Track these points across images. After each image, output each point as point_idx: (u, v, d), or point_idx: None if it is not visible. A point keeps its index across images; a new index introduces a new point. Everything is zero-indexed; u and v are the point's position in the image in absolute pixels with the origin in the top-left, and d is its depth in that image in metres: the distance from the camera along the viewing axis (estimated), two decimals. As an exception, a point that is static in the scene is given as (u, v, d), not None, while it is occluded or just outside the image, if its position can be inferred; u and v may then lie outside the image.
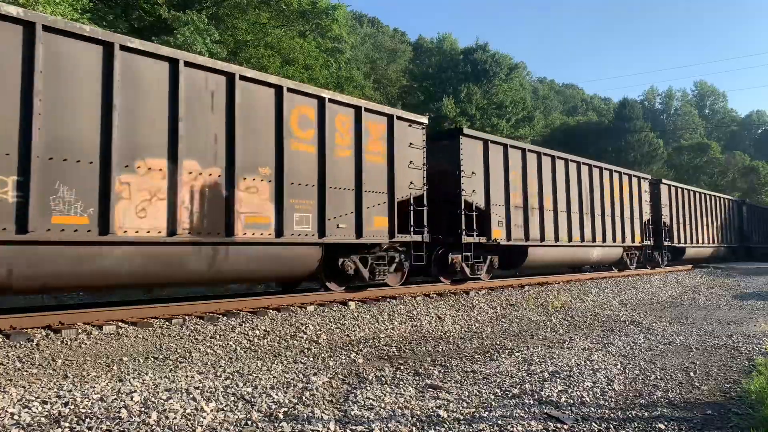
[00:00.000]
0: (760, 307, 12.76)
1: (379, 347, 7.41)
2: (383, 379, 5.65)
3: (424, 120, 12.14)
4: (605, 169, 18.76)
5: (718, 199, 29.60)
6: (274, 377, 5.55)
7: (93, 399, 4.56)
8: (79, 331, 6.83)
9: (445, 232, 12.74)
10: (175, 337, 7.11)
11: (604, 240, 18.10)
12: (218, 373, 5.64)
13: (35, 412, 4.21)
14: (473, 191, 12.97)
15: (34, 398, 4.53)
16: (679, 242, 23.90)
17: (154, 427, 4.02)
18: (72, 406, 4.36)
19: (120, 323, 7.36)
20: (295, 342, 7.51)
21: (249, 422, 4.19)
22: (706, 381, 5.83)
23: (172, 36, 19.89)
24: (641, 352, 7.28)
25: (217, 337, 7.29)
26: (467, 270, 13.04)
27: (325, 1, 27.97)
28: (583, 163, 17.48)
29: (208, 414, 4.32)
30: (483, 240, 13.13)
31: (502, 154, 14.05)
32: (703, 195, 27.37)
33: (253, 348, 7.04)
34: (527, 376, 5.84)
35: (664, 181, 23.56)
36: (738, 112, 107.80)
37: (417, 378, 5.72)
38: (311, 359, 6.54)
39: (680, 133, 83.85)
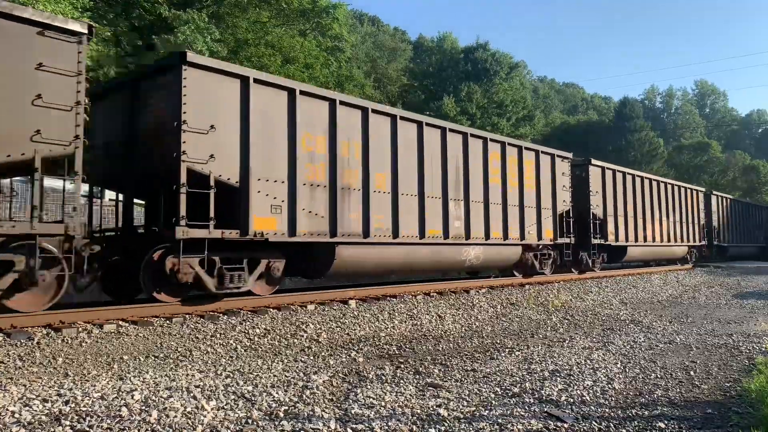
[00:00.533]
0: (760, 306, 12.76)
1: (379, 346, 7.42)
2: (383, 377, 5.65)
3: (77, 27, 7.10)
4: (493, 140, 13.76)
5: (676, 188, 23.80)
6: (274, 376, 5.56)
7: (94, 397, 4.56)
8: (80, 329, 6.83)
9: (168, 221, 8.42)
10: (175, 335, 7.12)
11: (488, 236, 13.25)
12: (219, 372, 5.65)
13: (36, 411, 4.21)
14: (211, 156, 8.31)
15: (34, 396, 4.53)
16: (616, 240, 18.59)
17: (154, 425, 4.03)
18: (73, 405, 4.37)
19: (120, 322, 7.36)
20: (295, 341, 7.52)
21: (249, 421, 4.19)
22: (706, 380, 5.83)
23: (173, 35, 19.92)
24: (641, 351, 7.29)
25: (218, 335, 7.29)
26: (210, 282, 8.50)
27: (325, 0, 28.03)
28: (453, 131, 12.68)
29: (208, 412, 4.32)
30: (233, 234, 8.61)
31: (286, 104, 9.36)
32: (653, 182, 21.65)
33: (253, 347, 7.05)
34: (527, 375, 5.84)
35: (593, 161, 18.02)
36: (738, 111, 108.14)
37: (417, 377, 5.73)
38: (311, 358, 6.54)
39: (681, 132, 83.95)
